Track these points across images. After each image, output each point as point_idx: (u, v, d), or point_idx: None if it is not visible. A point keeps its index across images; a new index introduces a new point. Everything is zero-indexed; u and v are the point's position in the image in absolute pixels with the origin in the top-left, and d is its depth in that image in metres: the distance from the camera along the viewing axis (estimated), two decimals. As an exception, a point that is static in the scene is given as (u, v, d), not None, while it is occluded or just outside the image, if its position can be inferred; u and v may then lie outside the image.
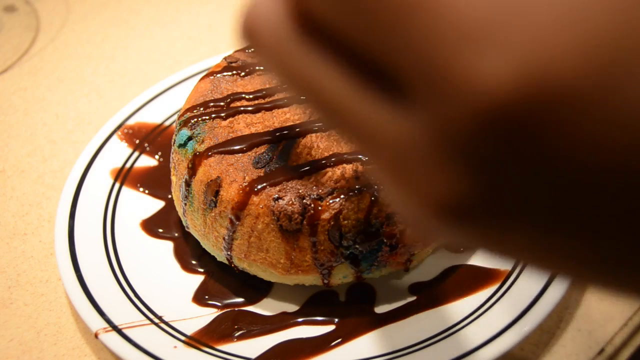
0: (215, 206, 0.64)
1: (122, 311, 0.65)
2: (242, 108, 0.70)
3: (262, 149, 0.65)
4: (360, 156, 0.63)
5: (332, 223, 0.60)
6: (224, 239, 0.65)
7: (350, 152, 0.63)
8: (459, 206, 0.23)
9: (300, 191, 0.61)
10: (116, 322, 0.63)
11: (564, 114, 0.21)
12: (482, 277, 0.66)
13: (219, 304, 0.68)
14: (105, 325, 0.63)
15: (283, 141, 0.66)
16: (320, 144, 0.65)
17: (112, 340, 0.62)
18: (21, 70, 1.11)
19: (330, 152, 0.64)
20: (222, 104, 0.71)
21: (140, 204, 0.79)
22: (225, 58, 0.80)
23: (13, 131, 0.98)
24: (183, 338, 0.63)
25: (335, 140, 0.65)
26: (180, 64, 1.08)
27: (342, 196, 0.60)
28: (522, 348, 0.62)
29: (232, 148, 0.65)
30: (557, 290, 0.60)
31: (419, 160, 0.23)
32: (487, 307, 0.62)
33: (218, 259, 0.69)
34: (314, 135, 0.67)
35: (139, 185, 0.81)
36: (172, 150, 0.72)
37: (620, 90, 0.21)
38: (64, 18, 1.23)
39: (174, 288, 0.70)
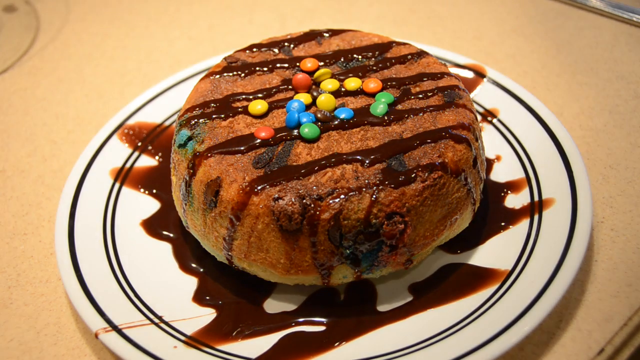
0: (215, 206, 0.64)
1: (122, 311, 0.65)
2: (242, 108, 0.71)
3: (262, 149, 0.65)
4: (359, 156, 0.63)
5: (332, 223, 0.60)
6: (224, 239, 0.65)
7: (350, 152, 0.64)
8: None
9: (300, 191, 0.61)
10: (116, 322, 0.63)
11: None
12: (482, 277, 0.66)
13: (219, 304, 0.68)
14: (105, 325, 0.63)
15: (283, 141, 0.66)
16: (320, 144, 0.65)
17: (112, 340, 0.62)
18: (21, 70, 1.11)
19: (330, 152, 0.64)
20: (222, 104, 0.72)
21: (140, 204, 0.79)
22: (225, 58, 0.80)
23: (13, 131, 0.98)
24: (183, 338, 0.64)
25: (335, 140, 0.65)
26: (180, 64, 1.08)
27: (342, 196, 0.60)
28: (522, 348, 0.62)
29: (232, 148, 0.65)
30: (557, 290, 0.60)
31: None
32: (487, 307, 0.62)
33: (218, 259, 0.69)
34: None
35: (139, 185, 0.81)
36: (172, 151, 0.72)
37: None
38: (64, 18, 1.23)
39: (173, 288, 0.70)
